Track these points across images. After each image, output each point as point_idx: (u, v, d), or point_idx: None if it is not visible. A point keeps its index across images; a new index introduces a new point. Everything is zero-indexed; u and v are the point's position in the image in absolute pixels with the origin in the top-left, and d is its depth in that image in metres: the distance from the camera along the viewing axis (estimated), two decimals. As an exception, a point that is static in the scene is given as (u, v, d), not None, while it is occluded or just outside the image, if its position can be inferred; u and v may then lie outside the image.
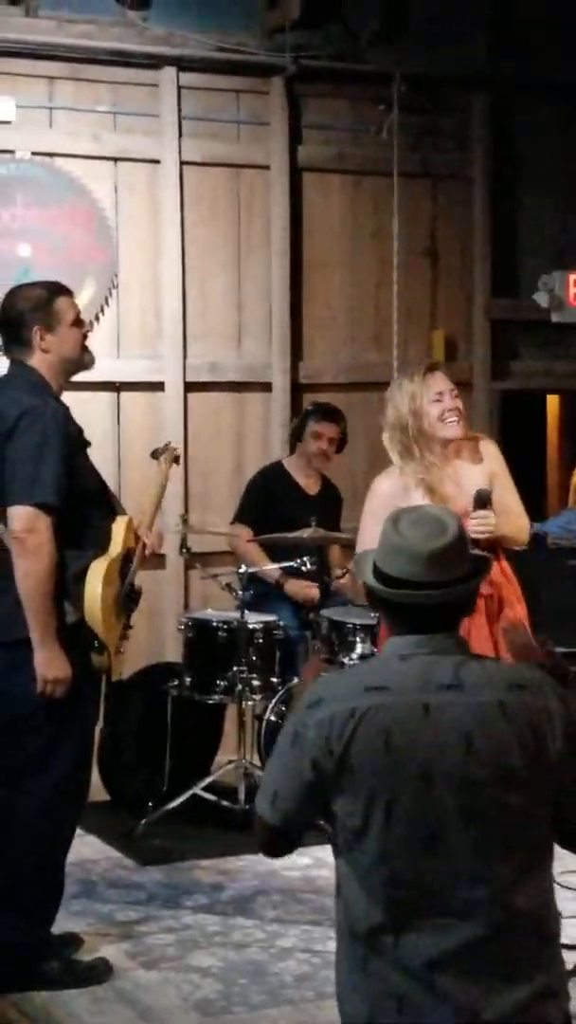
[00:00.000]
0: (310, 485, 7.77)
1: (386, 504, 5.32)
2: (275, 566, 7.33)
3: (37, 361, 5.06)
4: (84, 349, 5.19)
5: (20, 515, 4.83)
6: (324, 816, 3.16)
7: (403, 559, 3.14)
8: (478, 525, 5.33)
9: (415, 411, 5.54)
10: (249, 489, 7.76)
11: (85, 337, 5.20)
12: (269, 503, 7.58)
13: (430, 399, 5.53)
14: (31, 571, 4.83)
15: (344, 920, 3.15)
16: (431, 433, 5.53)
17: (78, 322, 5.16)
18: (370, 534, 5.45)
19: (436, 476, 5.52)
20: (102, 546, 5.06)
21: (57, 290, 5.19)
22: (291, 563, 7.09)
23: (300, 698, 3.23)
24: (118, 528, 5.13)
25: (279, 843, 3.28)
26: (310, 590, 7.36)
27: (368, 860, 3.05)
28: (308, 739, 3.09)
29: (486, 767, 3.00)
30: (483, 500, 5.41)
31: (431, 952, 2.98)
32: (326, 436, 7.66)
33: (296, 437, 7.81)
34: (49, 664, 4.89)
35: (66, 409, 5.06)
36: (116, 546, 5.08)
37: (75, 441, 5.06)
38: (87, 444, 5.17)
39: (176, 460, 5.73)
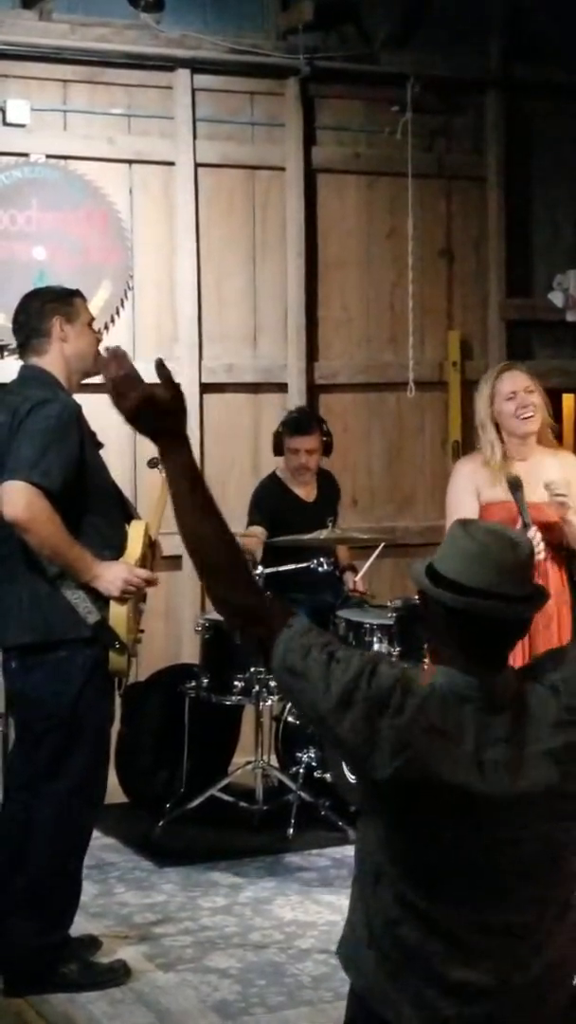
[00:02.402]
0: (307, 493, 7.74)
1: (469, 480, 5.92)
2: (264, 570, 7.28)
3: (52, 358, 5.09)
4: (97, 353, 5.23)
5: (11, 491, 4.81)
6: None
7: (486, 568, 2.88)
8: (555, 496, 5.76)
9: (493, 411, 5.93)
10: (254, 501, 7.74)
11: (98, 343, 5.25)
12: (272, 516, 7.54)
13: (504, 398, 5.89)
14: (44, 542, 4.85)
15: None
16: (510, 430, 5.90)
17: (91, 326, 5.22)
18: (458, 510, 5.80)
19: (503, 471, 5.84)
20: (119, 547, 5.06)
21: (74, 291, 5.32)
22: (306, 564, 7.08)
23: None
24: (135, 531, 5.13)
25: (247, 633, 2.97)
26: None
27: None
28: (381, 694, 2.84)
29: (543, 824, 2.87)
30: (517, 485, 5.69)
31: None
32: (303, 449, 7.60)
33: (277, 453, 7.78)
34: (109, 583, 4.93)
35: (79, 407, 5.07)
36: (135, 548, 5.09)
37: (89, 438, 5.07)
38: (100, 445, 5.18)
39: None
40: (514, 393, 5.88)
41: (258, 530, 7.49)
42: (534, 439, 5.95)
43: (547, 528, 5.77)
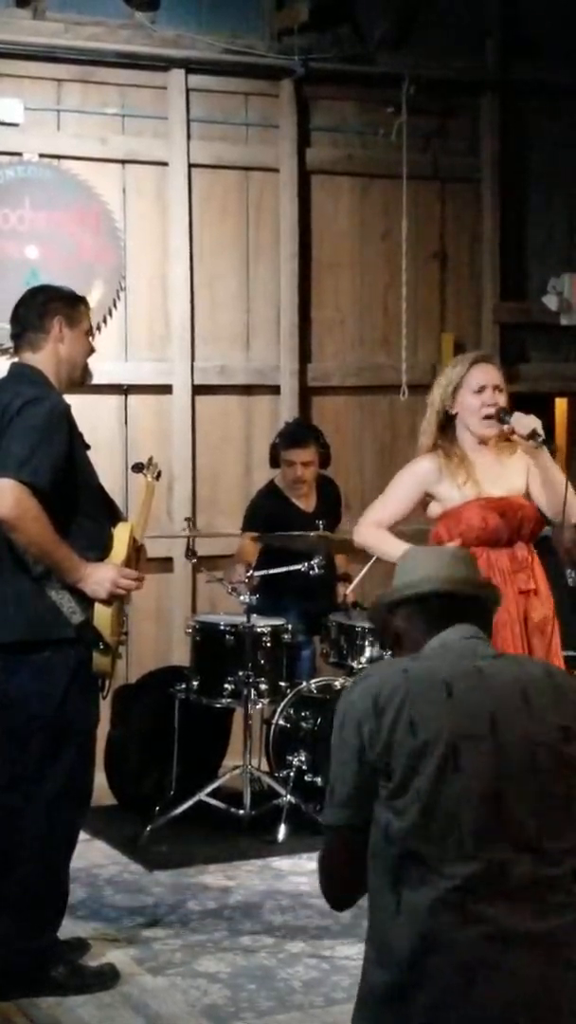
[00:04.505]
0: (306, 503, 7.70)
1: (418, 481, 5.49)
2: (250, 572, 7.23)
3: (45, 356, 5.06)
4: (86, 364, 5.20)
5: (0, 488, 4.77)
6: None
7: (424, 563, 3.21)
8: (524, 418, 5.38)
9: (452, 397, 5.51)
10: (251, 510, 7.71)
11: (91, 353, 5.21)
12: (272, 526, 7.49)
13: (471, 390, 5.48)
14: (31, 541, 4.81)
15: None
16: (471, 427, 5.50)
17: (90, 334, 5.20)
18: (391, 496, 5.59)
19: (466, 465, 5.47)
20: (104, 548, 5.03)
21: (80, 297, 5.28)
22: (299, 566, 7.06)
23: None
24: (121, 533, 5.11)
25: (344, 860, 3.08)
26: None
27: (415, 823, 2.95)
28: (354, 705, 3.03)
29: (545, 723, 3.00)
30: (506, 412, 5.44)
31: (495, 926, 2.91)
32: (298, 462, 7.56)
33: (273, 465, 7.74)
34: (96, 585, 4.90)
35: (69, 406, 5.05)
36: (120, 550, 5.06)
37: (77, 438, 5.04)
38: (88, 446, 5.15)
39: (159, 475, 5.60)
40: (483, 388, 5.48)
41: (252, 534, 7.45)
42: (494, 440, 5.56)
43: (526, 520, 5.50)
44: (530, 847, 2.94)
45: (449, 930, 2.89)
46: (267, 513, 7.57)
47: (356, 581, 7.54)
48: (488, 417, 5.48)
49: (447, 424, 5.56)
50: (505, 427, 5.47)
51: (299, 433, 7.73)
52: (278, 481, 7.72)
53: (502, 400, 5.51)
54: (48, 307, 5.10)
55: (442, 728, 2.95)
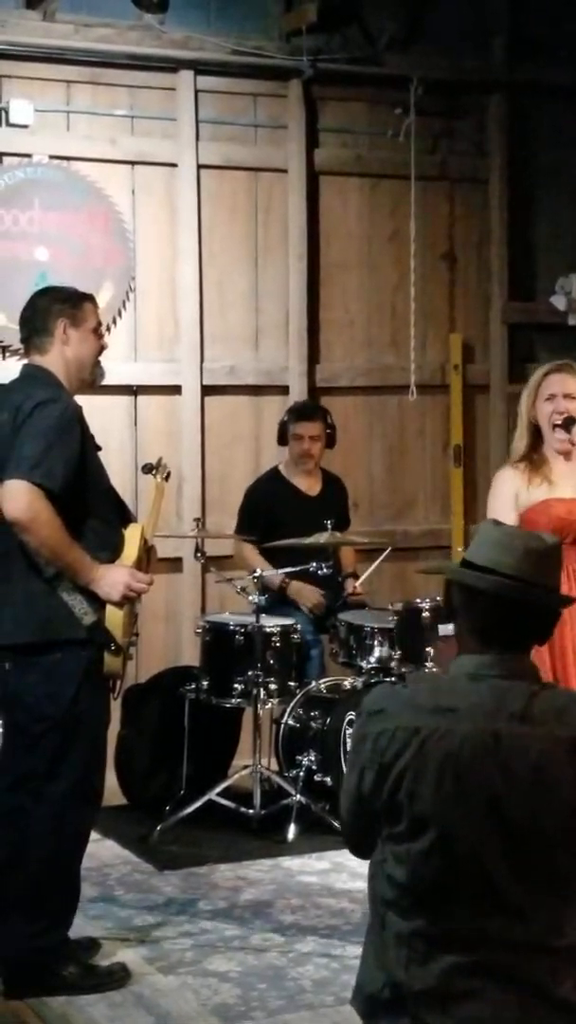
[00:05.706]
0: (310, 486, 7.75)
1: (509, 487, 5.49)
2: (280, 571, 7.30)
3: (53, 358, 5.08)
4: (97, 362, 5.21)
5: (13, 490, 4.78)
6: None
7: (498, 548, 3.03)
8: None
9: (531, 405, 5.57)
10: (248, 499, 7.75)
11: (101, 350, 5.22)
12: (270, 510, 7.54)
13: (543, 398, 5.53)
14: (43, 543, 4.82)
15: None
16: (545, 435, 5.55)
17: (98, 332, 5.20)
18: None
19: (545, 470, 5.50)
20: (115, 549, 5.05)
21: (86, 295, 5.29)
22: (305, 567, 7.07)
23: (365, 701, 3.13)
24: (131, 534, 5.12)
25: (353, 840, 3.23)
26: (315, 595, 7.37)
27: (404, 881, 2.99)
28: (364, 749, 3.02)
29: (555, 806, 2.92)
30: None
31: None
32: (306, 436, 7.65)
33: (281, 442, 7.80)
34: (110, 587, 4.92)
35: (80, 408, 5.06)
36: (131, 551, 5.07)
37: (89, 440, 5.06)
38: (99, 448, 5.17)
39: (168, 476, 5.63)
40: (552, 396, 5.52)
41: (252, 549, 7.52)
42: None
43: None
44: (512, 912, 2.93)
45: (424, 957, 2.95)
46: (269, 497, 7.64)
47: (366, 575, 7.56)
48: (557, 426, 5.52)
49: (523, 430, 5.63)
50: (572, 436, 5.49)
51: (308, 408, 7.86)
52: (282, 466, 7.78)
53: (574, 408, 5.52)
54: (51, 310, 5.12)
55: (441, 814, 2.93)
